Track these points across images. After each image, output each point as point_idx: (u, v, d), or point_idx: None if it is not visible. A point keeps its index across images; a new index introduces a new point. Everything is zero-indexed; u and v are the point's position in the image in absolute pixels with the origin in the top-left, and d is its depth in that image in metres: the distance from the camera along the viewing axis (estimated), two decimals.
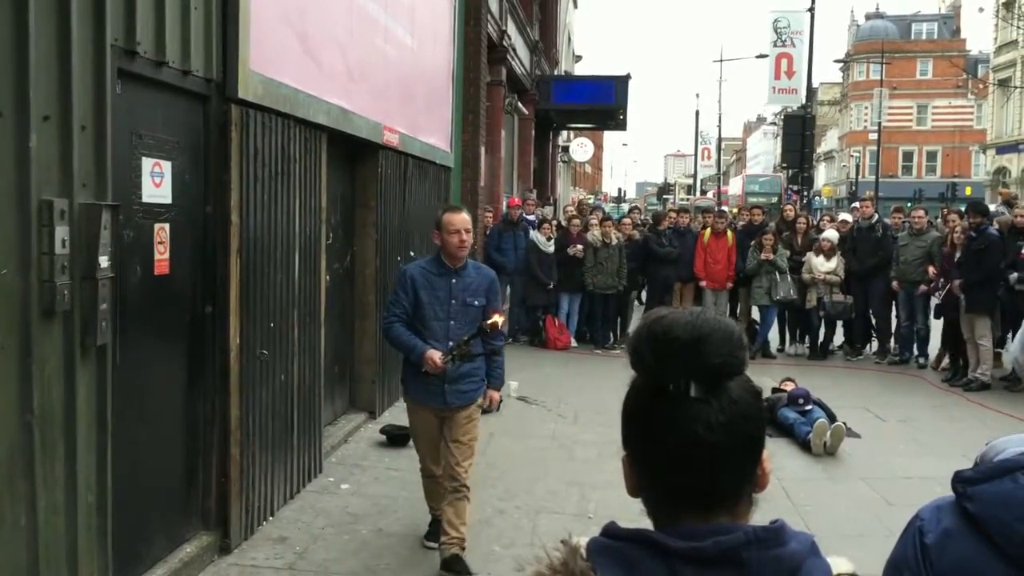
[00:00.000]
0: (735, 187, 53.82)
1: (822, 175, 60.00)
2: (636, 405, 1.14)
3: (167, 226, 4.27)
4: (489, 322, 4.50)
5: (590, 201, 32.54)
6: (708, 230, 12.20)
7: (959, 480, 1.31)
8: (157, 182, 4.18)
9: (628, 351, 1.15)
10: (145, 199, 4.08)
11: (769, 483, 1.16)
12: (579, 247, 11.96)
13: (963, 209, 12.08)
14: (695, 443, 1.07)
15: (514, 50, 15.12)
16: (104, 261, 3.44)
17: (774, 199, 41.27)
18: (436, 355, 4.45)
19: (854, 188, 45.18)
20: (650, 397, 1.11)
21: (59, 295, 3.21)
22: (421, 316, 4.58)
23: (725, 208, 18.94)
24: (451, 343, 4.52)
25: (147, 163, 4.08)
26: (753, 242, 11.64)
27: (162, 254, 4.24)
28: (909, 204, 17.64)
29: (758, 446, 1.13)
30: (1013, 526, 1.22)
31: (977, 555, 1.25)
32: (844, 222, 12.08)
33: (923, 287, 10.70)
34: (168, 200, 4.29)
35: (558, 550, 1.14)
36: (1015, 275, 9.35)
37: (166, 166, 4.25)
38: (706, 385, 1.08)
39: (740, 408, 1.09)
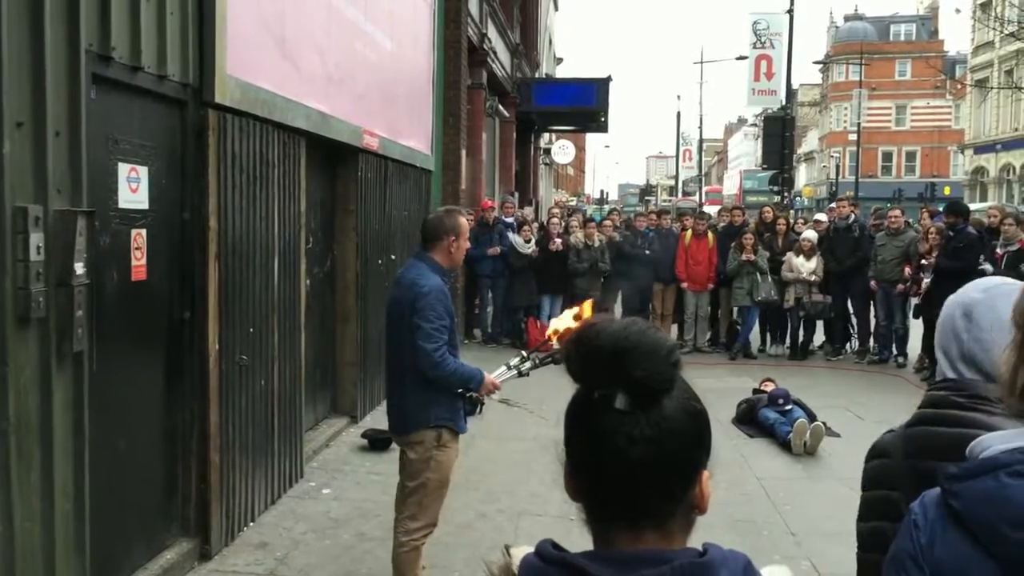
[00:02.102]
0: (731, 184, 53.38)
1: (803, 176, 60.27)
2: (570, 411, 1.14)
3: (144, 232, 4.25)
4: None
5: (571, 203, 32.57)
6: (689, 232, 12.24)
7: (945, 476, 1.32)
8: (133, 187, 4.16)
9: (562, 357, 1.15)
10: (121, 205, 4.06)
11: (708, 508, 1.13)
12: (559, 241, 11.97)
13: (940, 209, 12.20)
14: (615, 455, 1.06)
15: (495, 53, 15.13)
16: (80, 268, 3.42)
17: (777, 197, 39.84)
18: (492, 378, 4.15)
19: (834, 188, 45.40)
20: (580, 404, 1.11)
21: (34, 302, 3.19)
22: (452, 338, 4.08)
23: (710, 209, 18.90)
24: (508, 364, 4.22)
25: (123, 168, 4.06)
26: (734, 243, 11.69)
27: (139, 260, 4.22)
28: (888, 204, 17.77)
29: (690, 468, 1.10)
30: (997, 526, 1.22)
31: (962, 550, 1.26)
32: (818, 222, 12.16)
33: (900, 287, 10.78)
34: (145, 205, 4.27)
35: (494, 563, 1.14)
36: (990, 267, 9.41)
37: (142, 171, 4.23)
38: (632, 398, 1.06)
39: (670, 425, 1.07)
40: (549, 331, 4.31)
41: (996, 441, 1.31)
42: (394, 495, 4.27)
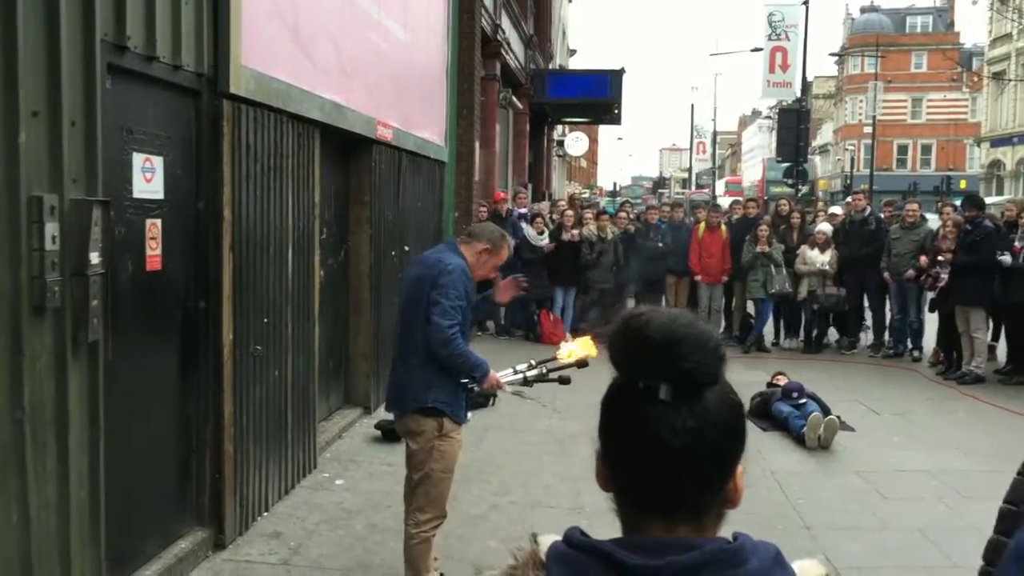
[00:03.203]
0: (752, 174, 52.42)
1: (817, 169, 59.99)
2: (609, 400, 1.14)
3: (159, 222, 4.25)
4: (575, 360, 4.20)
5: (584, 196, 32.48)
6: (703, 224, 12.21)
7: None
8: (148, 177, 4.16)
9: (606, 346, 1.14)
10: (136, 194, 4.06)
11: (741, 502, 1.14)
12: (574, 232, 11.95)
13: (957, 203, 12.11)
14: (656, 445, 1.06)
15: (508, 44, 15.10)
16: (95, 257, 3.42)
17: (804, 187, 37.78)
18: (498, 376, 4.17)
19: (849, 181, 45.14)
20: (621, 394, 1.10)
21: (49, 292, 3.19)
22: (465, 322, 4.06)
23: (729, 200, 18.57)
24: (516, 368, 4.23)
25: (138, 158, 4.06)
26: (749, 236, 11.64)
27: (154, 250, 4.22)
28: (903, 197, 17.66)
29: (728, 460, 1.11)
30: None
31: None
32: (834, 215, 12.10)
33: (911, 272, 10.68)
34: (160, 195, 4.27)
35: (521, 549, 1.13)
36: (1007, 256, 9.34)
37: (157, 161, 4.23)
38: (677, 389, 1.06)
39: (712, 418, 1.07)
40: (562, 353, 4.34)
41: None
42: None
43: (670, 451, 1.05)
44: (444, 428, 4.05)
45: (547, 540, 1.12)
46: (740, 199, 16.67)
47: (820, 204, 13.45)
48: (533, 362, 4.33)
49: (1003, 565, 1.35)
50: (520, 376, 4.25)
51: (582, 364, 4.14)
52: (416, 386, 4.00)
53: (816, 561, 1.20)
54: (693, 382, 1.07)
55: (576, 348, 4.32)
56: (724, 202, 21.39)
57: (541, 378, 4.31)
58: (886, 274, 11.04)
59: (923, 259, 10.52)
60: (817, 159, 38.58)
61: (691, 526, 1.09)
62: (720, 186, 51.37)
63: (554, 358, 4.38)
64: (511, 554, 1.13)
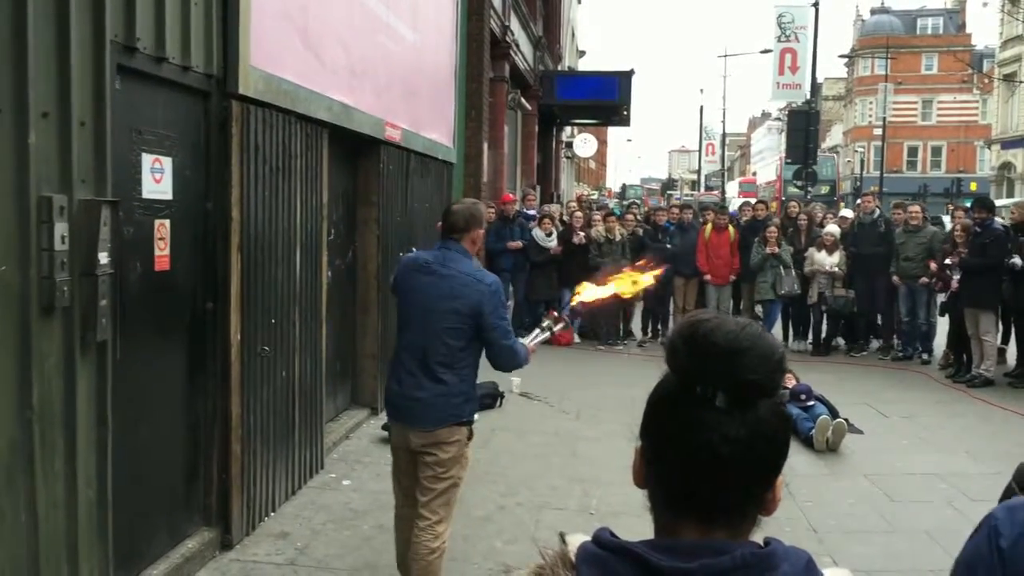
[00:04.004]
0: (767, 174, 51.59)
1: (839, 168, 59.73)
2: (660, 401, 1.13)
3: (167, 222, 4.27)
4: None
5: (593, 197, 32.43)
6: (709, 225, 12.22)
7: None
8: (157, 178, 4.18)
9: (666, 346, 1.13)
10: (145, 195, 4.08)
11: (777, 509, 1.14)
12: (582, 234, 11.96)
13: (968, 205, 12.05)
14: (708, 452, 1.05)
15: (517, 46, 15.09)
16: (104, 257, 3.44)
17: (824, 188, 34.64)
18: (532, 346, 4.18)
19: (859, 184, 44.99)
20: (675, 395, 1.10)
21: (59, 291, 3.21)
22: None
23: (743, 200, 18.27)
24: (541, 327, 4.29)
25: (147, 159, 4.08)
26: (758, 237, 11.63)
27: (162, 250, 4.24)
28: (913, 199, 17.58)
29: (772, 471, 1.11)
30: None
31: None
32: (844, 218, 12.07)
33: (923, 279, 10.66)
34: (168, 196, 4.28)
35: (550, 549, 1.13)
36: (1018, 259, 9.29)
37: (166, 162, 4.25)
38: (734, 398, 1.06)
39: (763, 429, 1.07)
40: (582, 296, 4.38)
41: None
42: None
43: (718, 458, 1.05)
44: (472, 435, 4.03)
45: (575, 540, 1.12)
46: (751, 200, 16.62)
47: (792, 206, 13.35)
48: (556, 314, 4.38)
49: (952, 571, 1.36)
50: (548, 332, 4.29)
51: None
52: (455, 400, 3.89)
53: (847, 570, 1.19)
54: (751, 393, 1.06)
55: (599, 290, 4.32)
56: (738, 203, 21.21)
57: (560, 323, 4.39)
58: (895, 278, 11.01)
59: (932, 264, 10.49)
60: (836, 157, 37.39)
61: (726, 531, 1.09)
62: (734, 186, 50.95)
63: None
64: (539, 553, 1.12)
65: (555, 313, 4.40)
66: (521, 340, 4.08)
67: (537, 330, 4.25)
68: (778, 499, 1.13)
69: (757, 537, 1.11)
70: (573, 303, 4.60)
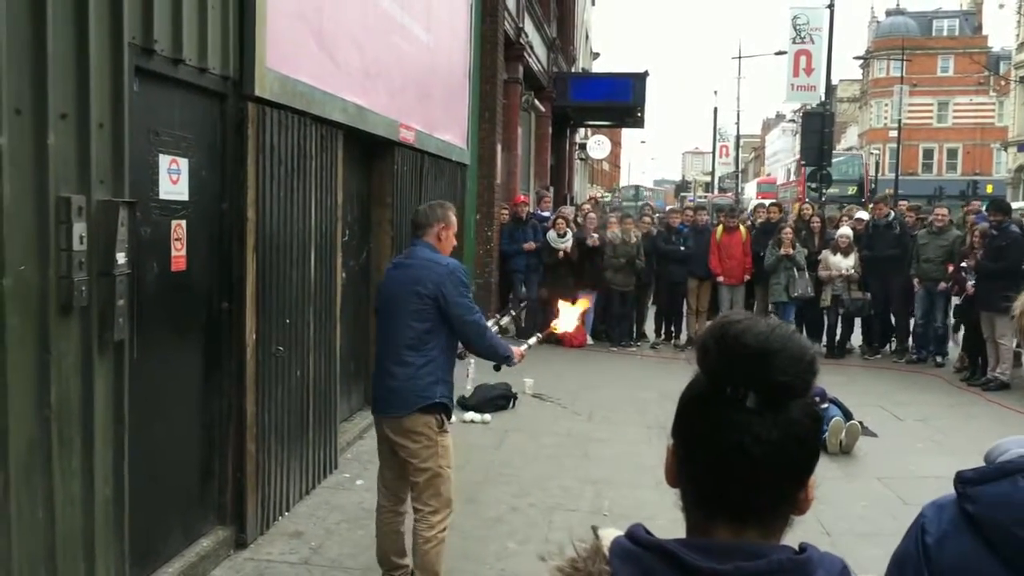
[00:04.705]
0: (779, 176, 50.77)
1: (869, 168, 59.37)
2: (691, 402, 1.13)
3: (184, 223, 4.30)
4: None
5: (606, 199, 32.38)
6: (720, 227, 12.22)
7: (960, 480, 1.31)
8: (174, 179, 4.21)
9: (696, 347, 1.14)
10: (162, 196, 4.11)
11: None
12: (595, 236, 11.96)
13: (983, 208, 12.00)
14: (739, 453, 1.05)
15: (531, 47, 15.11)
16: (121, 257, 3.47)
17: (851, 188, 32.73)
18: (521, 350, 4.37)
19: (874, 186, 44.75)
20: (706, 397, 1.10)
21: (77, 291, 3.24)
22: None
23: (765, 202, 18.07)
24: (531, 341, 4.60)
25: (164, 160, 4.11)
26: (772, 240, 11.62)
27: (179, 250, 4.27)
28: (929, 202, 17.49)
29: (805, 471, 1.11)
30: (1010, 529, 1.21)
31: (975, 556, 1.25)
32: (859, 220, 12.04)
33: (943, 284, 10.63)
34: (185, 197, 4.32)
35: (583, 542, 1.13)
36: None
37: (183, 163, 4.28)
38: (765, 399, 1.06)
39: (795, 430, 1.07)
40: (558, 325, 4.82)
41: (1014, 445, 1.30)
42: None
43: (750, 459, 1.05)
44: (444, 425, 4.11)
45: (608, 534, 1.12)
46: (766, 202, 16.57)
47: (806, 208, 13.27)
48: (540, 335, 4.73)
49: (887, 569, 1.38)
50: (535, 340, 4.60)
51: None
52: (421, 383, 4.01)
53: None
54: (783, 394, 1.07)
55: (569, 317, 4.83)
56: (756, 204, 21.00)
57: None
58: (916, 280, 10.95)
59: (950, 268, 10.44)
60: (864, 156, 35.69)
61: (758, 531, 1.09)
62: (752, 187, 50.60)
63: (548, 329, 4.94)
64: (572, 546, 1.13)
65: (540, 335, 4.71)
66: (516, 347, 4.31)
67: (526, 345, 4.48)
68: (811, 499, 1.13)
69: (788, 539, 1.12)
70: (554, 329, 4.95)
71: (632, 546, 1.08)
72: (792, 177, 44.47)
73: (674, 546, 1.06)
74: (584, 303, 4.81)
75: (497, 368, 4.48)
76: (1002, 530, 1.22)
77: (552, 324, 4.87)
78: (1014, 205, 13.36)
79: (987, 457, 1.33)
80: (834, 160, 34.46)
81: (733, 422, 1.06)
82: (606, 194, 44.36)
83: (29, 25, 3.04)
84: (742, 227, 12.24)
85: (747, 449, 1.05)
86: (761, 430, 1.05)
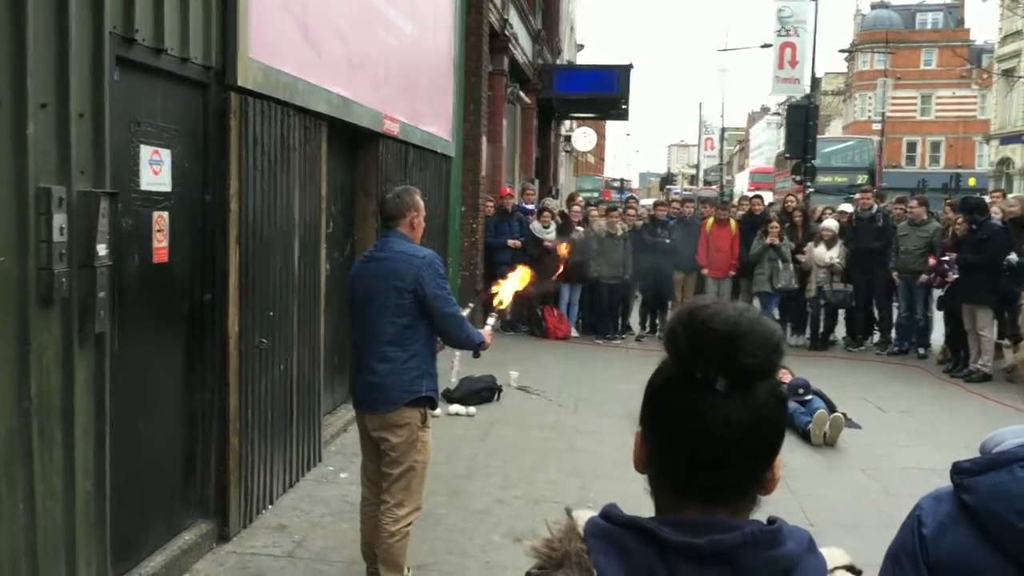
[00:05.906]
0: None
1: (879, 156, 59.51)
2: (660, 387, 1.14)
3: (166, 214, 4.26)
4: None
5: (594, 196, 32.35)
6: (711, 219, 12.24)
7: (957, 471, 1.31)
8: (156, 170, 4.17)
9: (665, 332, 1.15)
10: (144, 187, 4.07)
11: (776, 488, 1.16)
12: (580, 230, 11.97)
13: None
14: (710, 436, 1.07)
15: (516, 39, 15.06)
16: (102, 249, 3.43)
17: (860, 177, 28.84)
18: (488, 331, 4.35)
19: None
20: (675, 382, 1.11)
21: (57, 283, 3.20)
22: None
23: (758, 193, 17.87)
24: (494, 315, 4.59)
25: (146, 151, 4.07)
26: (760, 231, 11.66)
27: (161, 242, 4.24)
28: (912, 194, 17.53)
29: (772, 452, 1.13)
30: (1008, 519, 1.22)
31: (972, 547, 1.25)
32: (843, 212, 12.09)
33: (924, 277, 10.69)
34: (167, 188, 4.28)
35: (558, 524, 1.14)
36: (1015, 257, 9.29)
37: (165, 154, 4.24)
38: (733, 382, 1.07)
39: (763, 412, 1.08)
40: (500, 296, 4.66)
41: (1010, 436, 1.30)
42: None
43: (721, 441, 1.07)
44: (427, 419, 4.07)
45: (582, 515, 1.13)
46: (749, 193, 16.62)
47: (789, 200, 13.28)
48: (496, 314, 4.67)
49: (883, 561, 1.39)
50: (493, 320, 4.55)
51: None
52: (406, 378, 3.97)
53: (843, 550, 1.23)
54: (753, 376, 1.08)
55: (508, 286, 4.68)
56: (750, 195, 20.98)
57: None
58: (894, 273, 11.02)
59: (931, 260, 10.50)
60: (875, 141, 33.41)
61: (728, 509, 1.10)
62: (743, 177, 50.49)
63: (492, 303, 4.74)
64: (547, 527, 1.13)
65: (496, 313, 4.68)
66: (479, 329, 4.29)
67: (488, 326, 4.42)
68: (777, 478, 1.14)
69: (756, 516, 1.13)
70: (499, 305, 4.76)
71: (607, 524, 1.09)
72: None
73: (648, 522, 1.07)
74: (525, 269, 4.72)
75: (476, 355, 4.42)
76: (1000, 520, 1.23)
77: (496, 299, 4.70)
78: (1009, 196, 13.41)
79: (983, 448, 1.33)
80: (841, 145, 32.81)
81: (703, 406, 1.07)
82: (592, 193, 44.24)
83: (8, 14, 3.00)
84: (732, 221, 12.25)
85: (717, 432, 1.06)
86: (731, 413, 1.06)
